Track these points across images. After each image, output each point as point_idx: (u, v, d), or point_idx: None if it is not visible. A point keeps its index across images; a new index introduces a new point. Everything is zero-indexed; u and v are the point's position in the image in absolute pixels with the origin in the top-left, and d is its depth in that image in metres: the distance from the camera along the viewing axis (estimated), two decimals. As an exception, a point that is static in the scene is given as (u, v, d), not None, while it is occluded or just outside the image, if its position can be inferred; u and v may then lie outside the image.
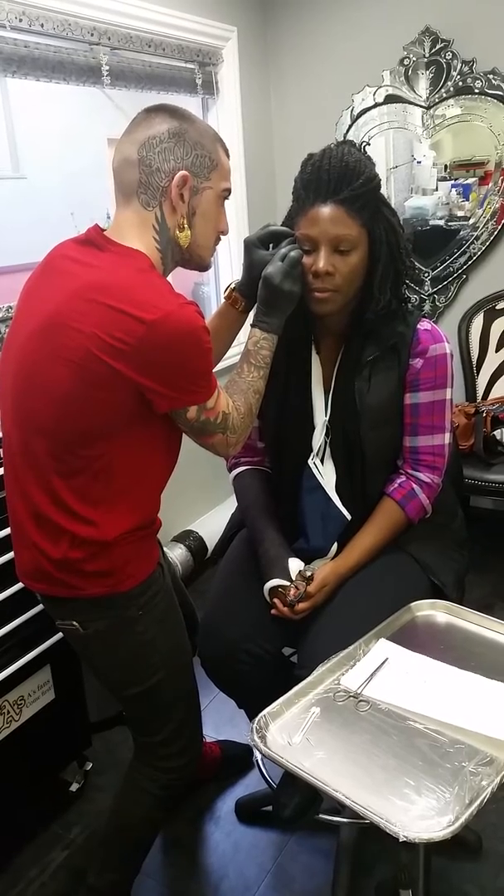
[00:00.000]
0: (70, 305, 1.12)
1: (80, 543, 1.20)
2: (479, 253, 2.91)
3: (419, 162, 2.92)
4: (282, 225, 1.40)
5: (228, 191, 1.27)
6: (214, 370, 1.21)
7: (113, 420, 1.14)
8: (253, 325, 1.35)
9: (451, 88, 2.77)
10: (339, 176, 1.30)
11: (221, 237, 1.31)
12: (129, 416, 1.15)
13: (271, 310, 1.33)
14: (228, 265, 3.07)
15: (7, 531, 1.58)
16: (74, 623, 1.28)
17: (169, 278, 1.24)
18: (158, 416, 1.19)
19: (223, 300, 1.45)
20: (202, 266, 1.31)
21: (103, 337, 1.08)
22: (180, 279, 1.20)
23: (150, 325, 1.07)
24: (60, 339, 1.12)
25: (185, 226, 1.21)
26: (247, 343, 1.34)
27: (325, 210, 1.31)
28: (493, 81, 2.69)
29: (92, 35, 2.16)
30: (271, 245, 1.37)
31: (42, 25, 1.99)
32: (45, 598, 1.33)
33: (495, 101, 2.71)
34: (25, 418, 1.19)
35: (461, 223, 2.91)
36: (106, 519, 1.20)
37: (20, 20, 1.92)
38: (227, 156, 1.27)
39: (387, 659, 1.24)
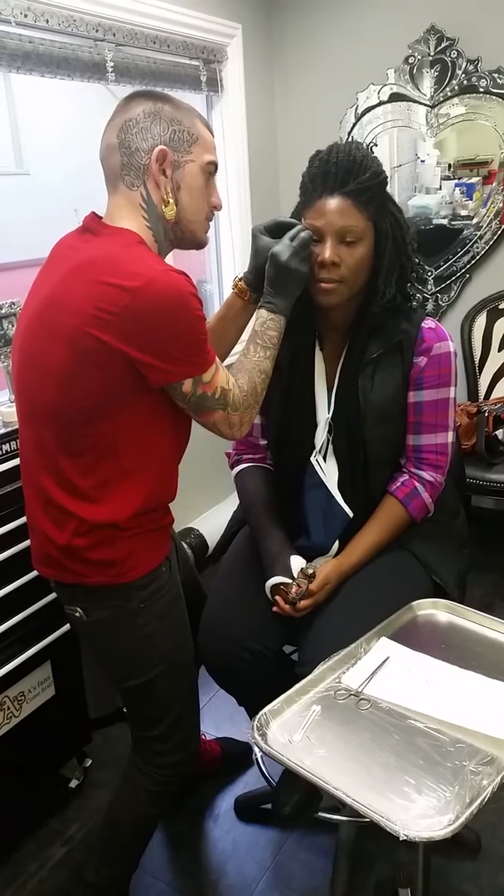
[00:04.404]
0: (61, 286, 1.14)
1: (87, 530, 1.21)
2: (482, 252, 2.91)
3: (423, 161, 2.92)
4: None
5: (214, 164, 1.26)
6: (224, 363, 1.20)
7: (111, 397, 1.15)
8: (260, 306, 1.34)
9: (456, 87, 2.76)
10: (347, 169, 1.31)
11: (215, 212, 1.30)
12: (128, 393, 1.15)
13: (278, 290, 1.32)
14: (231, 262, 3.06)
15: (7, 528, 1.59)
16: (79, 610, 1.30)
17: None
18: (160, 394, 1.19)
19: (231, 291, 1.45)
20: (196, 243, 1.30)
21: (90, 311, 1.09)
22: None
23: (133, 292, 1.07)
24: (54, 319, 1.14)
25: (170, 200, 1.21)
26: (254, 324, 1.34)
27: (332, 202, 1.32)
28: (499, 80, 2.69)
29: (97, 31, 2.16)
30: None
31: (47, 21, 1.98)
32: (54, 583, 1.35)
33: (500, 100, 2.71)
34: (30, 401, 1.21)
35: (464, 222, 2.91)
36: (113, 500, 1.21)
37: (25, 16, 1.91)
38: (210, 131, 1.26)
39: (388, 658, 1.24)
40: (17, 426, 1.36)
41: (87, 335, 1.09)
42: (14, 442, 1.60)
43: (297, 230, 1.32)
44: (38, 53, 1.99)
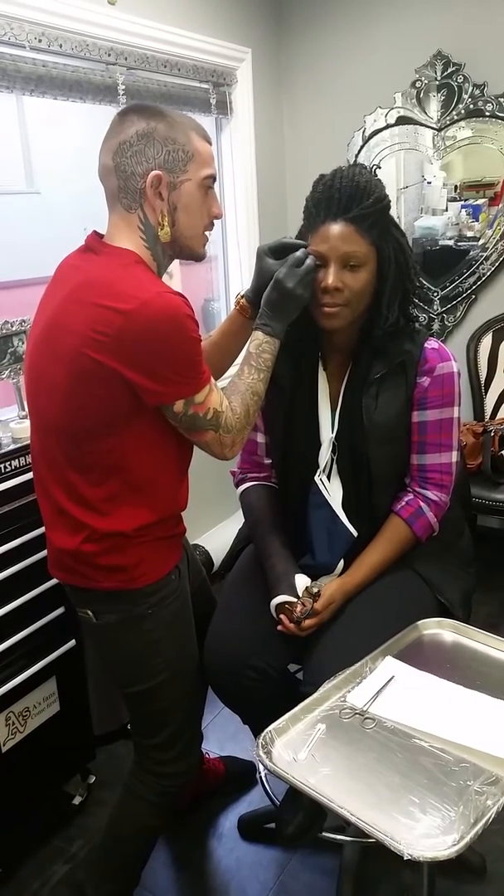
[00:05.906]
0: (63, 308, 1.17)
1: (99, 538, 1.24)
2: (488, 273, 2.93)
3: (429, 182, 2.95)
4: None
5: (212, 177, 1.26)
6: (220, 381, 1.21)
7: (113, 415, 1.17)
8: (255, 328, 1.35)
9: (463, 111, 2.80)
10: (350, 195, 1.32)
11: (215, 222, 1.31)
12: (128, 411, 1.17)
13: (276, 312, 1.34)
14: (239, 282, 3.09)
15: (14, 543, 1.60)
16: (89, 612, 1.33)
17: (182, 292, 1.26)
18: (160, 412, 1.21)
19: (233, 307, 1.46)
20: (195, 257, 1.32)
21: (87, 332, 1.11)
22: (190, 295, 1.22)
23: (128, 314, 1.09)
24: (56, 341, 1.17)
25: (165, 223, 1.22)
26: (248, 346, 1.36)
27: (336, 227, 1.33)
28: (504, 104, 2.72)
29: (109, 55, 2.20)
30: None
31: (61, 46, 2.02)
32: (67, 586, 1.37)
33: (506, 123, 2.74)
34: (39, 419, 1.25)
35: (471, 243, 2.93)
36: (122, 512, 1.23)
37: (39, 40, 1.96)
38: (208, 141, 1.26)
39: (393, 677, 1.24)
40: (27, 442, 1.39)
41: (85, 356, 1.12)
42: (24, 457, 1.62)
43: (301, 254, 1.33)
44: (52, 77, 2.04)
